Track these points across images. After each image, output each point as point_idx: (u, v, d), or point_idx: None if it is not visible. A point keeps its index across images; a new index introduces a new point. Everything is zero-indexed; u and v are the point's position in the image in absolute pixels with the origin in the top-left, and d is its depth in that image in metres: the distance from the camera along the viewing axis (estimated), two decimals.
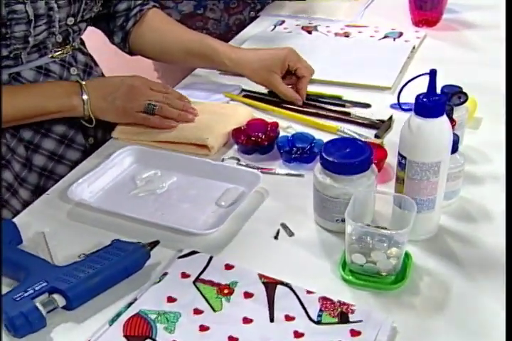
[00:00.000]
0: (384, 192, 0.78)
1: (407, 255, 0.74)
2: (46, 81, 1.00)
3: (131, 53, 1.20)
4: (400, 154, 0.73)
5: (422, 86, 0.70)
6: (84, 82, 0.97)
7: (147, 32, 1.16)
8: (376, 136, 1.00)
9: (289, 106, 1.10)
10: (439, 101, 0.68)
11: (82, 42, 1.12)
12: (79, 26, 1.04)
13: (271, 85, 1.11)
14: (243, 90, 1.16)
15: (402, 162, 0.72)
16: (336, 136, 1.00)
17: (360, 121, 1.05)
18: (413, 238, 0.76)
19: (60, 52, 1.02)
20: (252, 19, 1.52)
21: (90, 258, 0.72)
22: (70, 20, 0.99)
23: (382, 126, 1.02)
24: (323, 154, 0.76)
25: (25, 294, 0.67)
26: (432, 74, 0.67)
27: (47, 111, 0.97)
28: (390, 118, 1.03)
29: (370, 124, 1.03)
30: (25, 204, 1.01)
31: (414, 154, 0.71)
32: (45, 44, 0.98)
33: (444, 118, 0.70)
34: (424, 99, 0.68)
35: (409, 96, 0.74)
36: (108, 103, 0.98)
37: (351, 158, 0.75)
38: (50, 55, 1.00)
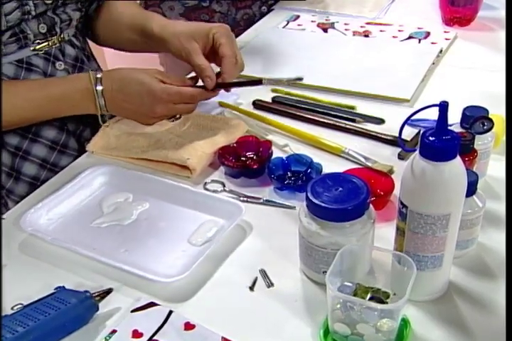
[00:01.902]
0: (380, 248, 0.64)
1: (404, 322, 0.61)
2: (61, 77, 0.91)
3: (96, 42, 1.09)
4: (400, 201, 0.59)
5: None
6: (100, 76, 0.86)
7: (104, 20, 1.04)
8: (399, 157, 0.87)
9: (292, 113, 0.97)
10: (450, 142, 0.54)
11: (79, 36, 0.99)
12: (68, 15, 0.93)
13: (186, 55, 0.91)
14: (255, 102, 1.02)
15: (403, 211, 0.59)
16: (339, 159, 0.88)
17: (382, 136, 0.91)
18: (415, 298, 0.63)
19: (43, 44, 0.90)
20: (264, 15, 1.38)
21: (24, 311, 0.61)
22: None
23: (408, 143, 0.88)
24: (309, 195, 0.63)
25: None
26: (443, 107, 0.53)
27: (60, 114, 0.89)
28: (418, 134, 0.89)
29: (392, 141, 0.90)
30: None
31: (417, 204, 0.57)
32: (24, 33, 0.86)
33: (457, 161, 0.56)
34: (432, 138, 0.54)
35: (428, 110, 0.59)
36: (127, 110, 0.88)
37: (343, 201, 0.62)
38: (31, 48, 0.89)
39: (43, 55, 0.91)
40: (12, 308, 0.63)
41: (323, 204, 0.62)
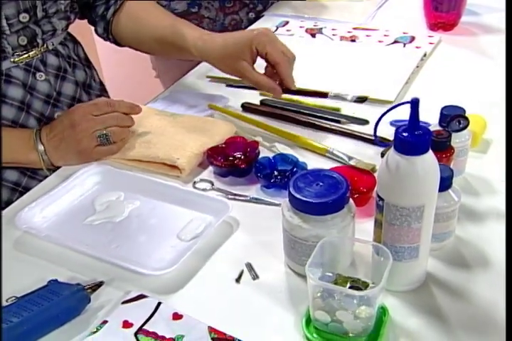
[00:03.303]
0: (358, 239, 0.67)
1: (383, 310, 0.63)
2: (5, 129, 0.90)
3: (116, 43, 1.11)
4: (377, 194, 0.62)
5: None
6: (37, 131, 0.89)
7: (125, 21, 1.07)
8: (382, 155, 0.89)
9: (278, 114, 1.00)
10: (422, 137, 0.57)
11: (67, 43, 1.02)
12: (53, 25, 0.95)
13: (241, 75, 0.95)
14: (243, 104, 1.05)
15: (380, 204, 0.62)
16: (323, 159, 0.91)
17: (365, 136, 0.94)
18: (393, 288, 0.66)
19: (23, 56, 0.92)
20: (252, 21, 1.41)
21: (18, 303, 0.64)
22: (24, 17, 0.89)
23: (390, 144, 0.91)
24: (291, 190, 0.66)
25: None
26: (414, 104, 0.57)
27: (5, 161, 0.89)
28: None
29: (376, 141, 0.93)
30: None
31: (392, 196, 0.60)
32: (2, 47, 0.88)
33: (429, 155, 0.58)
34: (405, 134, 0.57)
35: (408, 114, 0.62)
36: (63, 151, 0.88)
37: (323, 195, 0.65)
38: (11, 59, 0.90)
39: (23, 66, 0.93)
40: (6, 301, 0.66)
41: (304, 199, 0.65)
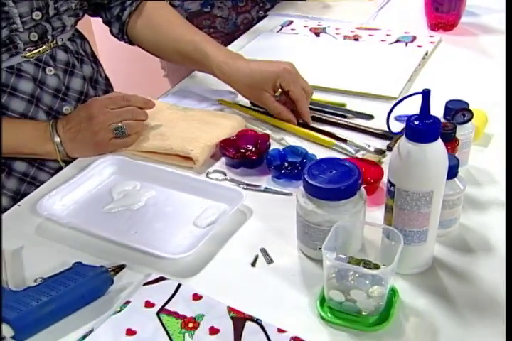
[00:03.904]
0: (370, 223, 0.71)
1: (393, 291, 0.67)
2: (20, 120, 0.94)
3: (131, 43, 1.14)
4: (388, 181, 0.66)
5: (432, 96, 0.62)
6: (53, 122, 0.92)
7: (143, 26, 1.10)
8: (388, 148, 0.93)
9: None
10: (432, 125, 0.61)
11: (76, 39, 1.05)
12: (63, 22, 0.98)
13: (263, 104, 1.02)
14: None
15: (391, 189, 0.65)
16: (331, 152, 0.94)
17: (372, 130, 0.98)
18: (402, 272, 0.69)
19: (34, 52, 0.95)
20: (261, 18, 1.45)
21: (46, 283, 0.67)
22: (37, 15, 0.92)
23: (395, 138, 0.95)
24: (306, 177, 0.69)
25: None
26: (425, 94, 0.60)
27: (20, 152, 0.92)
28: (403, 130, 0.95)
29: (381, 135, 0.96)
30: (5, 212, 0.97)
31: (403, 182, 0.64)
32: (14, 43, 0.91)
33: (438, 143, 0.62)
34: (416, 122, 0.61)
35: (414, 107, 0.66)
36: (79, 142, 0.91)
37: (337, 182, 0.68)
38: (22, 54, 0.93)
39: (34, 61, 0.95)
40: (35, 281, 0.69)
41: (319, 185, 0.68)
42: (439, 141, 0.62)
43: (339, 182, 0.68)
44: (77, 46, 1.05)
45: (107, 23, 1.13)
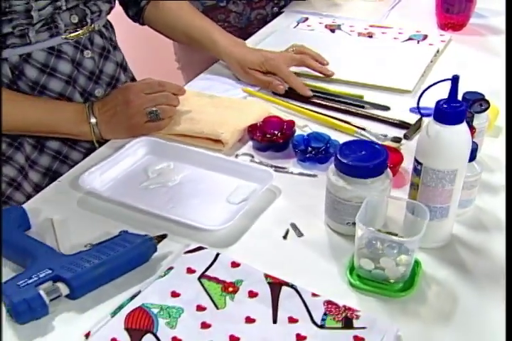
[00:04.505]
0: (397, 197, 0.77)
1: (416, 263, 0.73)
2: (58, 101, 0.99)
3: (143, 24, 1.24)
4: (416, 160, 0.72)
5: (442, 91, 0.69)
6: (89, 105, 0.97)
7: (160, 15, 1.20)
8: (405, 136, 0.98)
9: (306, 100, 1.09)
10: (459, 108, 0.67)
11: (108, 26, 1.10)
12: (98, 6, 1.03)
13: (252, 80, 1.15)
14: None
15: (418, 168, 0.71)
16: (352, 138, 1.00)
17: (389, 120, 1.03)
18: (424, 246, 0.75)
19: (74, 34, 0.99)
20: (275, 15, 1.50)
21: (96, 248, 0.72)
22: None
23: (412, 127, 1.00)
24: (338, 156, 0.75)
25: (30, 281, 0.67)
26: (454, 80, 0.66)
27: (56, 132, 0.97)
28: (420, 119, 1.01)
29: (398, 124, 1.02)
30: (36, 187, 1.02)
31: (430, 161, 0.70)
32: (55, 23, 0.95)
33: (464, 125, 0.68)
34: (445, 106, 0.67)
35: (429, 101, 0.73)
36: (114, 124, 0.96)
37: (366, 161, 0.74)
38: (63, 36, 0.98)
39: (73, 43, 1.00)
40: (85, 246, 0.74)
41: (350, 163, 0.74)
42: (464, 124, 0.68)
43: (368, 161, 0.74)
44: (109, 33, 1.10)
45: (123, 4, 1.21)
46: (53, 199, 0.87)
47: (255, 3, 1.47)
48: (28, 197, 1.01)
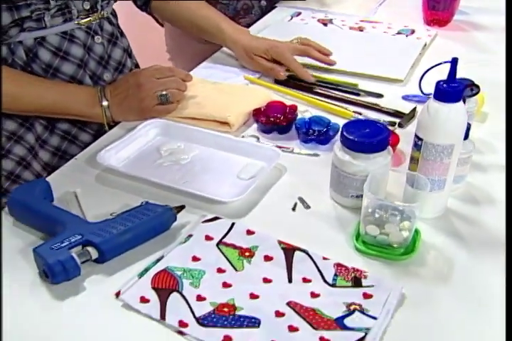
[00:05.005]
0: (399, 170, 0.83)
1: (416, 231, 0.79)
2: (71, 84, 1.04)
3: (151, 14, 1.32)
4: (416, 136, 0.78)
5: (431, 81, 0.75)
6: (101, 88, 1.02)
7: (167, 4, 1.28)
8: (399, 125, 1.05)
9: (305, 87, 1.16)
10: (457, 88, 0.74)
11: (114, 14, 1.15)
12: None
13: (257, 66, 1.22)
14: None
15: (418, 143, 0.78)
16: None
17: (385, 109, 1.10)
18: (422, 216, 0.81)
19: (86, 20, 1.04)
20: (262, 8, 1.56)
21: (121, 216, 0.77)
22: None
23: (406, 116, 1.07)
24: (345, 133, 0.81)
25: (62, 245, 0.71)
26: (454, 62, 0.73)
27: (68, 113, 1.02)
28: (414, 109, 1.08)
29: (392, 113, 1.09)
30: (45, 166, 1.07)
31: (430, 136, 0.76)
32: (69, 8, 1.00)
33: (461, 104, 0.75)
34: (444, 85, 0.74)
35: (418, 89, 0.79)
36: (125, 107, 1.01)
37: (370, 137, 0.81)
38: (75, 21, 1.02)
39: (84, 28, 1.05)
40: (111, 214, 0.79)
41: (356, 139, 0.80)
42: (461, 103, 0.75)
43: (372, 137, 0.81)
44: (116, 20, 1.15)
45: None
46: (71, 175, 0.92)
47: None
48: (37, 175, 1.06)
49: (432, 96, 0.76)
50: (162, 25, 1.69)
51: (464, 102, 0.92)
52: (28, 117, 1.04)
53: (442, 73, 0.78)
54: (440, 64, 0.75)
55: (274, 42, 1.24)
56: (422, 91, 0.81)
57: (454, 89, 0.74)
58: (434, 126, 0.76)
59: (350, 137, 0.81)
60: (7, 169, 1.06)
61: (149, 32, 1.38)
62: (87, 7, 1.04)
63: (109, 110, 1.01)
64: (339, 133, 0.83)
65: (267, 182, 0.90)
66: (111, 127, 1.05)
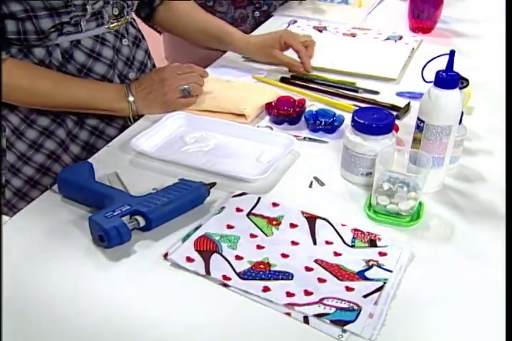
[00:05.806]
0: (404, 148, 0.95)
1: (420, 203, 0.90)
2: (100, 82, 1.13)
3: (153, 26, 1.40)
4: (419, 119, 0.90)
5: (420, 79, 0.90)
6: (127, 85, 1.12)
7: (173, 14, 1.35)
8: (397, 117, 1.16)
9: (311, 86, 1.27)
10: (454, 77, 0.86)
11: (134, 19, 1.26)
12: (132, 1, 1.18)
13: (275, 59, 1.34)
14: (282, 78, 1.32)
15: (421, 125, 0.90)
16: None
17: (382, 104, 1.22)
18: (424, 190, 0.93)
19: (115, 24, 1.14)
20: (256, 19, 1.68)
21: (162, 190, 0.87)
22: None
23: (402, 110, 1.19)
24: (356, 118, 0.93)
25: (114, 213, 0.81)
26: (451, 54, 0.85)
27: (97, 108, 1.11)
28: (409, 103, 1.20)
29: (389, 107, 1.20)
30: (75, 158, 1.16)
31: (431, 118, 0.88)
32: (101, 14, 1.10)
33: (457, 91, 0.87)
34: (443, 74, 0.86)
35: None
36: (150, 101, 1.11)
37: (378, 121, 0.92)
38: (106, 26, 1.13)
39: (114, 32, 1.15)
40: (153, 189, 0.88)
41: (366, 123, 0.92)
42: (457, 89, 0.87)
43: (380, 121, 0.92)
44: (137, 25, 1.26)
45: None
46: (107, 160, 1.01)
47: (238, 3, 1.65)
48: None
49: (432, 83, 0.88)
50: (160, 32, 1.79)
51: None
52: (59, 113, 1.13)
53: (436, 68, 0.90)
54: (440, 56, 0.87)
55: (284, 30, 1.38)
56: (424, 79, 0.93)
57: (451, 77, 0.86)
58: (434, 110, 0.88)
59: (361, 121, 0.92)
60: (38, 162, 1.15)
61: (147, 40, 1.47)
62: (116, 13, 1.14)
63: (135, 104, 1.11)
64: (344, 122, 0.95)
65: (284, 165, 1.01)
66: (135, 121, 1.14)
